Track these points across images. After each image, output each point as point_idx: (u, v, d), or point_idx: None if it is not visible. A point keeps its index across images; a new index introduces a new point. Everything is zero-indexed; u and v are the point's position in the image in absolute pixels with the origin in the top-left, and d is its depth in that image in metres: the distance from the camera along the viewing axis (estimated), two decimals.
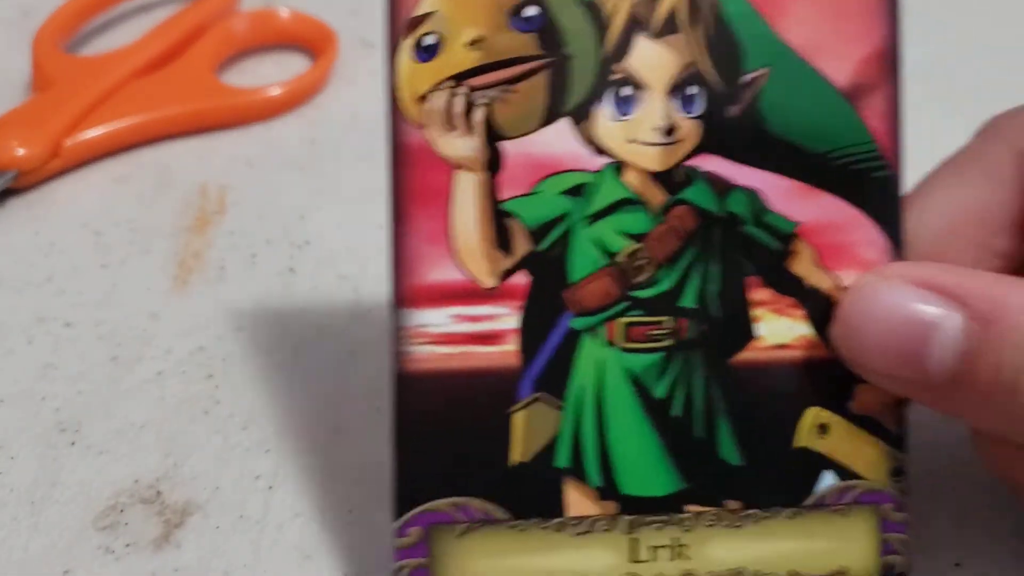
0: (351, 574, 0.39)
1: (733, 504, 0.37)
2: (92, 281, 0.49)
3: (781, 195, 0.36)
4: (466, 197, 0.36)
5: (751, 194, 0.36)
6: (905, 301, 0.35)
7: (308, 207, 0.53)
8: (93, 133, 0.54)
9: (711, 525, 0.37)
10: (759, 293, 0.36)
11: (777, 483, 0.37)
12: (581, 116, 0.36)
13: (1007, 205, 0.37)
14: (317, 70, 0.58)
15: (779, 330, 0.37)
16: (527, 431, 0.36)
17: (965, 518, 0.41)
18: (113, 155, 0.55)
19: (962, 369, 0.34)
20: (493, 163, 0.36)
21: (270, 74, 0.59)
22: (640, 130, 0.36)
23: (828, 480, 0.37)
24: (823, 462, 0.37)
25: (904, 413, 0.37)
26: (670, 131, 0.36)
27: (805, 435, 0.37)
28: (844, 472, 0.37)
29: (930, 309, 0.34)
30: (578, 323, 0.36)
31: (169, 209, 0.53)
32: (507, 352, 0.36)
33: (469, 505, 0.36)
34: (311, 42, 0.60)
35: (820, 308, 0.37)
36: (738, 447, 0.37)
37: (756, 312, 0.36)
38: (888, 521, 0.37)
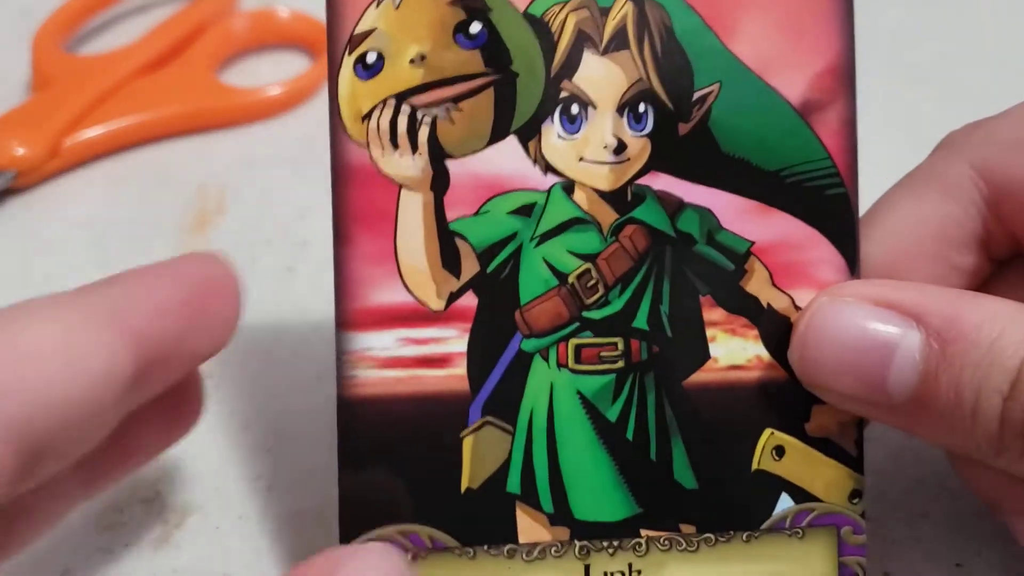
0: None
1: (688, 528, 0.36)
2: (91, 281, 0.49)
3: (734, 213, 0.36)
4: (411, 218, 0.35)
5: (703, 213, 0.36)
6: (862, 321, 0.34)
7: (308, 207, 0.52)
8: (93, 133, 0.54)
9: (666, 550, 0.36)
10: (712, 313, 0.36)
11: (733, 506, 0.36)
12: (529, 134, 0.35)
13: (966, 220, 0.37)
14: (317, 70, 0.58)
15: (733, 351, 0.36)
16: (476, 456, 0.35)
17: (966, 519, 0.40)
18: (113, 155, 0.55)
19: (922, 389, 0.33)
20: (439, 182, 0.35)
21: (270, 74, 0.59)
22: (589, 148, 0.35)
23: (785, 503, 0.36)
24: (779, 485, 0.36)
25: (861, 434, 0.36)
26: (619, 149, 0.35)
27: (761, 457, 0.36)
28: (801, 494, 0.36)
29: (888, 328, 0.34)
30: (528, 345, 0.36)
31: (169, 209, 0.53)
32: (455, 376, 0.35)
33: (417, 533, 0.36)
34: (311, 42, 0.60)
35: (775, 328, 0.36)
36: (693, 470, 0.36)
37: (710, 332, 0.36)
38: (846, 544, 0.36)
